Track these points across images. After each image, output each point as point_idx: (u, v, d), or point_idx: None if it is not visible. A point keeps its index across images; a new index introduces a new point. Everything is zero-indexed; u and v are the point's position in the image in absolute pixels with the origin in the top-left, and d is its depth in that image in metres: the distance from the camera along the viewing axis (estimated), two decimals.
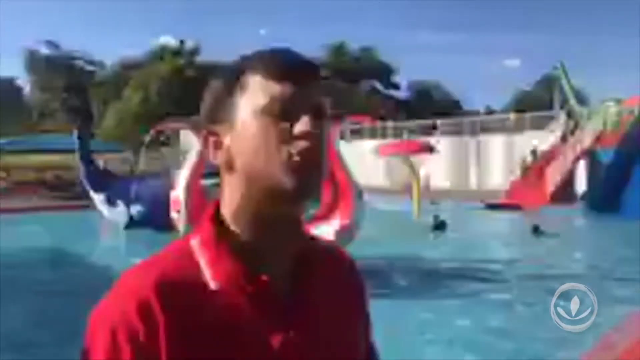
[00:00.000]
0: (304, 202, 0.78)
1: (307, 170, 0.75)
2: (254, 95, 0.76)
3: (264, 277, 0.77)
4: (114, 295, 0.75)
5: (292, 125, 0.75)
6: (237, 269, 0.77)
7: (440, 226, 12.71)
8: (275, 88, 0.76)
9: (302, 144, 0.75)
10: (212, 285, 0.75)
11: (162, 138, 12.29)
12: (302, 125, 0.75)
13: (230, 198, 0.80)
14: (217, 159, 0.80)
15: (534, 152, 22.48)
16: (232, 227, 0.79)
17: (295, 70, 0.77)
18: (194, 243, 0.79)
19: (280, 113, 0.75)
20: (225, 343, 0.73)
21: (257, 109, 0.76)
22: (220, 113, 0.79)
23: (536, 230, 12.04)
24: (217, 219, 0.81)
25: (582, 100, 28.74)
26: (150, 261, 0.78)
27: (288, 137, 0.75)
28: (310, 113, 0.76)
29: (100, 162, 15.92)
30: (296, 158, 0.74)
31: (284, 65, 0.77)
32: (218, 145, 0.80)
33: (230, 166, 0.79)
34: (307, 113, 0.76)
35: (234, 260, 0.77)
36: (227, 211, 0.80)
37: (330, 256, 0.91)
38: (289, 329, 0.77)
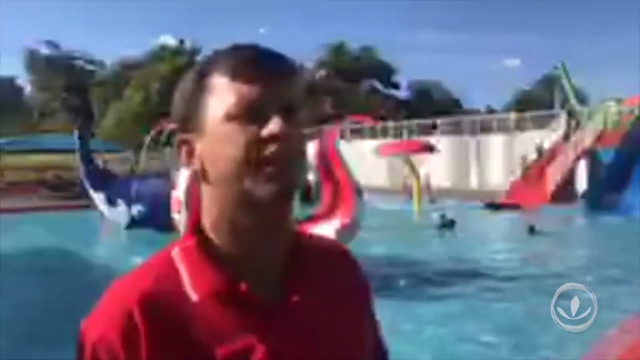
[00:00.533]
0: (279, 208, 0.75)
1: (280, 176, 0.71)
2: (222, 99, 0.72)
3: (243, 286, 0.74)
4: (100, 308, 0.75)
5: (261, 128, 0.71)
6: (216, 279, 0.75)
7: (448, 225, 12.79)
8: (243, 89, 0.72)
9: (271, 148, 0.71)
10: (193, 296, 0.74)
11: (164, 138, 12.20)
12: (271, 127, 0.71)
13: (208, 207, 0.77)
14: (192, 166, 0.77)
15: (539, 150, 22.39)
16: (212, 236, 0.77)
17: (263, 68, 0.73)
18: (175, 253, 0.78)
19: (248, 116, 0.71)
20: (207, 354, 0.72)
21: (224, 113, 0.72)
22: (190, 119, 0.75)
23: (532, 230, 12.16)
24: (199, 228, 0.79)
25: (582, 99, 28.74)
26: (134, 273, 0.77)
27: (257, 142, 0.71)
28: (281, 112, 0.71)
29: (99, 161, 15.91)
30: (267, 165, 0.71)
31: (250, 64, 0.73)
32: (190, 154, 0.76)
33: (205, 175, 0.76)
34: (276, 113, 0.71)
35: (214, 271, 0.75)
36: (206, 220, 0.78)
37: (332, 254, 0.89)
38: (277, 335, 0.75)
